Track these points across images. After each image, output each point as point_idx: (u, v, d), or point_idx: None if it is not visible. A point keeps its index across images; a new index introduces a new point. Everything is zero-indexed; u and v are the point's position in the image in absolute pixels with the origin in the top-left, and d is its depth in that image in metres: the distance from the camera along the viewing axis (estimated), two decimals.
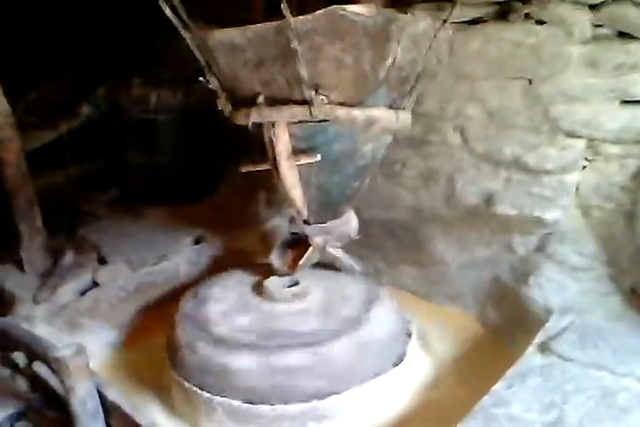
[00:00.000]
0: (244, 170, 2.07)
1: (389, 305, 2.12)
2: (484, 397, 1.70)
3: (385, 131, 1.97)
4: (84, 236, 2.75)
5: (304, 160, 1.92)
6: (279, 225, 3.02)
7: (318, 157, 1.89)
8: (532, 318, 2.17)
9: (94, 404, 1.69)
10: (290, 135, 1.89)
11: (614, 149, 2.04)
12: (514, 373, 1.80)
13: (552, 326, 2.01)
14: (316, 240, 2.13)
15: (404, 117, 1.96)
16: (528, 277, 2.23)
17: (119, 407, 1.65)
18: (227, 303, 2.12)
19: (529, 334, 2.13)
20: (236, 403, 1.83)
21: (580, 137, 2.09)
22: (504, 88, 2.18)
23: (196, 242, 2.81)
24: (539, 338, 1.95)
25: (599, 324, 1.99)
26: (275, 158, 1.93)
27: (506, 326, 2.32)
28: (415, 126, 2.32)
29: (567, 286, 2.16)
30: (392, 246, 2.70)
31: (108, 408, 1.71)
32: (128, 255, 2.58)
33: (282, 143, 1.89)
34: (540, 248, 2.26)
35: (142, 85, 3.11)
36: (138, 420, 1.58)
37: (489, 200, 2.27)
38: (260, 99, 1.83)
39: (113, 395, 1.70)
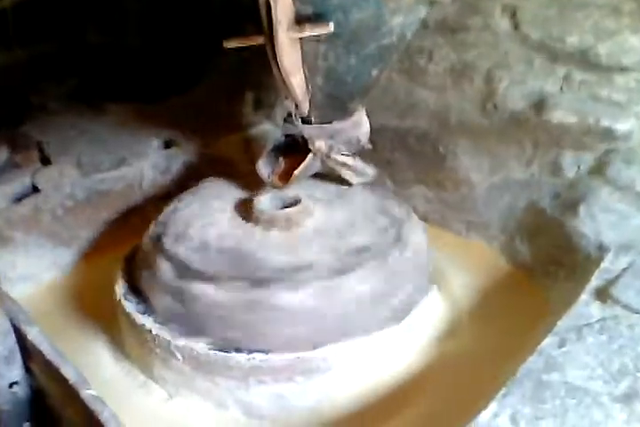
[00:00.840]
0: (228, 45, 1.54)
1: (416, 232, 1.66)
2: (531, 357, 1.29)
3: None
4: (26, 131, 2.22)
5: (310, 32, 1.39)
6: (268, 132, 2.52)
7: (331, 26, 1.36)
8: (578, 257, 1.74)
9: (8, 344, 1.26)
10: None
11: None
12: (566, 326, 1.38)
13: (608, 267, 1.57)
14: (318, 144, 1.64)
15: None
16: (577, 206, 1.78)
17: (41, 352, 1.21)
18: (203, 224, 1.64)
19: (574, 277, 1.74)
20: (202, 349, 1.40)
21: None
22: None
23: (166, 145, 2.30)
24: (594, 282, 1.52)
25: None
26: (271, 29, 1.40)
27: (541, 265, 1.89)
28: (450, 6, 1.81)
29: (628, 218, 1.71)
30: (405, 162, 2.22)
31: (29, 350, 1.28)
32: (79, 156, 2.07)
33: (282, 6, 1.36)
34: (597, 169, 1.79)
35: None
36: (63, 372, 1.15)
37: (540, 104, 1.78)
38: None
39: (34, 334, 1.26)
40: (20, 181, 1.97)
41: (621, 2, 1.63)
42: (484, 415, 1.14)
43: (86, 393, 1.09)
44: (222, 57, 2.27)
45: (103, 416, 1.07)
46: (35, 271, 1.91)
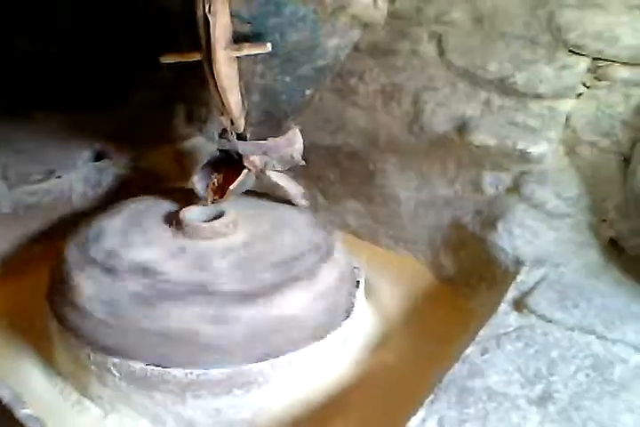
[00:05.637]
0: (164, 60, 1.56)
1: (340, 248, 1.72)
2: (455, 365, 1.37)
3: (355, 21, 1.51)
4: None
5: (248, 51, 1.44)
6: (201, 145, 2.54)
7: (268, 46, 1.41)
8: (497, 270, 1.86)
9: None
10: (231, 15, 1.40)
11: (623, 73, 1.68)
12: (487, 335, 1.47)
13: (524, 280, 1.69)
14: (252, 160, 1.68)
15: (382, 6, 1.52)
16: (496, 222, 1.89)
17: None
18: (130, 237, 1.64)
19: (493, 289, 1.86)
20: (139, 365, 1.40)
21: (584, 55, 1.72)
22: None
23: (97, 158, 2.27)
24: (511, 293, 1.63)
25: (576, 279, 1.70)
26: (209, 46, 1.43)
27: (464, 278, 2.00)
28: (381, 30, 1.90)
29: (541, 234, 1.84)
30: (336, 178, 2.31)
31: None
32: (4, 168, 2.01)
33: (220, 24, 1.40)
34: (514, 189, 1.92)
35: None
36: None
37: (463, 127, 1.89)
38: None
39: None
40: None
41: (539, 34, 1.77)
42: (413, 421, 1.21)
43: (22, 413, 1.08)
44: (155, 69, 2.27)
45: None
46: None
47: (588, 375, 1.34)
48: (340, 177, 2.29)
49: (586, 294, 1.61)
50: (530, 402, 1.26)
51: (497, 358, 1.39)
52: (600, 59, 1.71)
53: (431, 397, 1.28)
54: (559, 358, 1.39)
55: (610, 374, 1.34)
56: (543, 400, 1.27)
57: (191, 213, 1.68)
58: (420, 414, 1.23)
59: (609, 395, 1.28)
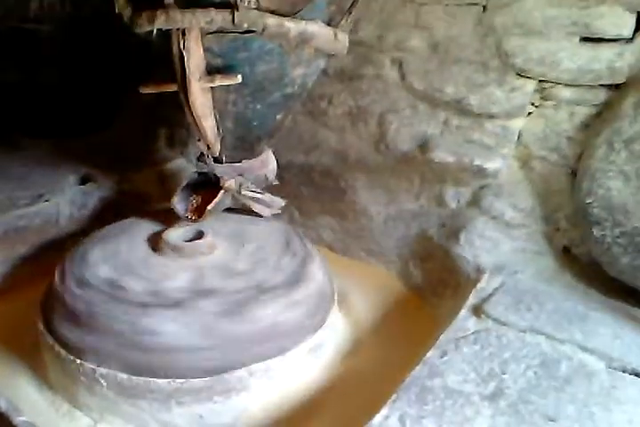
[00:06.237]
0: (144, 91, 1.69)
1: (316, 261, 1.84)
2: (417, 367, 1.49)
3: (319, 52, 1.65)
4: None
5: (220, 82, 1.57)
6: (182, 167, 2.66)
7: (239, 77, 1.54)
8: (460, 278, 1.99)
9: None
10: (204, 49, 1.54)
11: (566, 93, 1.84)
12: (447, 339, 1.59)
13: (484, 287, 1.82)
14: (229, 182, 1.81)
15: (343, 38, 1.65)
16: (458, 234, 2.02)
17: None
18: (117, 256, 1.76)
19: (456, 296, 1.98)
20: (124, 375, 1.51)
21: (531, 77, 1.87)
22: (455, 15, 1.91)
23: (83, 181, 2.40)
24: (471, 300, 1.76)
25: (531, 285, 1.83)
26: (184, 78, 1.56)
27: (431, 287, 2.13)
28: (347, 57, 2.05)
29: (500, 244, 1.98)
30: (310, 195, 2.43)
31: None
32: None
33: (194, 59, 1.53)
34: (474, 202, 2.06)
35: None
36: None
37: (424, 146, 2.03)
38: None
39: None
40: None
41: (489, 60, 1.92)
42: (377, 419, 1.33)
43: (19, 420, 1.18)
44: (137, 95, 2.40)
45: None
46: None
47: (536, 373, 1.47)
48: (314, 194, 2.42)
49: (539, 299, 1.74)
50: (483, 398, 1.39)
51: (455, 360, 1.51)
52: (545, 81, 1.86)
53: (394, 396, 1.39)
54: (511, 357, 1.52)
55: (556, 371, 1.47)
56: (495, 396, 1.39)
57: (172, 235, 1.79)
58: (383, 411, 1.35)
59: (554, 389, 1.41)
